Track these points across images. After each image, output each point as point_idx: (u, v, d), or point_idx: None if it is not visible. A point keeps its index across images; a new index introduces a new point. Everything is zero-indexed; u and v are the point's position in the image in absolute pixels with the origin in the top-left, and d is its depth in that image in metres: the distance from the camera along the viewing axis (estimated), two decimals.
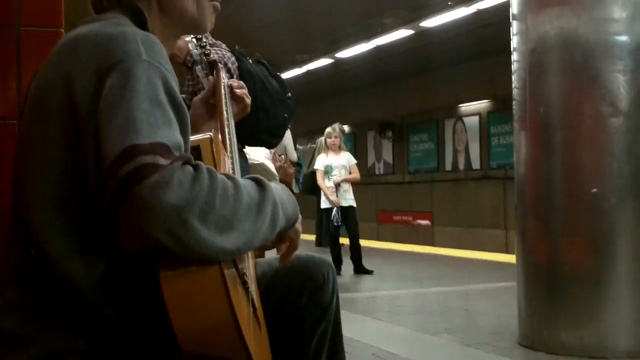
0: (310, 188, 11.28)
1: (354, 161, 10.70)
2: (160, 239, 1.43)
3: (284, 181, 8.86)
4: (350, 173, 10.53)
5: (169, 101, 1.56)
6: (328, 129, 10.71)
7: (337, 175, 10.41)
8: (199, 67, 4.64)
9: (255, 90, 4.74)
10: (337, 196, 10.33)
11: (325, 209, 10.52)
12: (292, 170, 9.40)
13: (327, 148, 10.62)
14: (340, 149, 10.65)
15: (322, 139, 10.87)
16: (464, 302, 7.93)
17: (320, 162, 10.57)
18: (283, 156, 9.05)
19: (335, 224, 10.34)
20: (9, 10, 2.33)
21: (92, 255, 1.58)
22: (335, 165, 10.44)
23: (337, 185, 10.35)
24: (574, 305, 4.47)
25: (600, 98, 4.00)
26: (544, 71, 4.19)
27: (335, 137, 10.59)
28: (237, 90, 2.44)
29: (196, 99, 2.44)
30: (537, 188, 4.40)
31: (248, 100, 2.50)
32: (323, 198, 10.55)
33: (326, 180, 10.43)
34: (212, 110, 2.37)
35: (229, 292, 1.49)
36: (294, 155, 9.58)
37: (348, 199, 10.43)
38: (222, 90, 2.31)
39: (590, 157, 4.16)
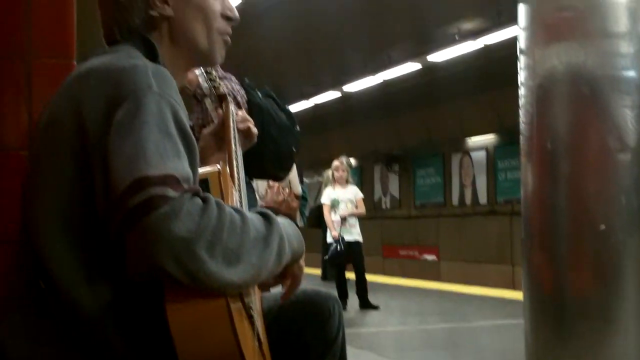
0: (316, 221, 11.26)
1: (360, 195, 10.68)
2: (168, 269, 1.43)
3: (287, 214, 8.80)
4: (356, 207, 10.51)
5: (178, 133, 1.57)
6: (335, 162, 10.71)
7: (344, 208, 10.39)
8: (208, 100, 4.65)
9: (263, 123, 4.76)
10: (341, 230, 10.28)
11: (331, 243, 10.49)
12: (295, 203, 9.36)
13: (334, 181, 10.61)
14: (347, 182, 10.64)
15: (329, 172, 10.87)
16: (471, 339, 7.91)
17: (327, 195, 10.56)
18: (287, 189, 9.04)
19: (332, 253, 10.25)
20: (20, 41, 2.35)
21: (100, 283, 1.59)
22: (341, 199, 10.43)
23: (343, 219, 10.33)
24: (581, 339, 4.44)
25: (608, 133, 3.99)
26: (551, 105, 4.18)
27: (343, 170, 10.59)
28: (240, 125, 2.45)
29: (205, 131, 2.45)
30: (544, 221, 4.38)
31: (254, 130, 2.50)
32: (329, 232, 10.54)
33: (332, 214, 10.41)
34: (220, 142, 2.38)
35: (234, 322, 1.49)
36: (298, 189, 9.56)
37: (354, 233, 10.40)
38: (231, 124, 2.32)
39: (597, 191, 4.15)
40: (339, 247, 10.19)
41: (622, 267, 4.25)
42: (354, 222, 10.44)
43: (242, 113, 2.53)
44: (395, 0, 11.86)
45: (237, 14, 1.98)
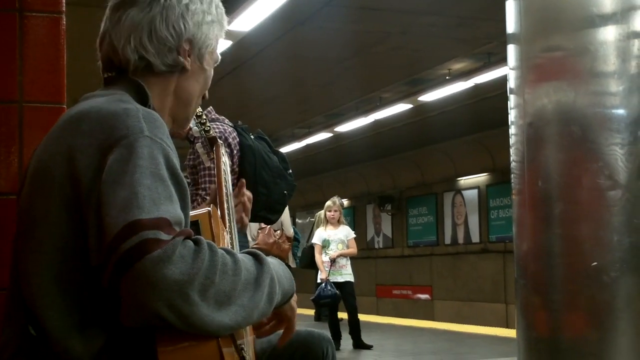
0: (309, 262, 11.24)
1: (352, 235, 10.66)
2: (161, 313, 1.43)
3: (279, 256, 8.78)
4: (348, 247, 10.49)
5: (170, 176, 1.57)
6: (328, 202, 10.72)
7: (335, 249, 10.36)
8: (199, 143, 4.66)
9: (256, 165, 4.76)
10: (331, 271, 10.24)
11: (320, 284, 10.44)
12: (287, 245, 9.35)
13: (327, 221, 10.61)
14: (339, 222, 10.64)
15: (322, 212, 10.87)
16: None
17: (318, 236, 10.55)
18: (278, 232, 9.04)
19: (329, 293, 10.17)
20: (12, 86, 2.36)
21: (91, 331, 1.58)
22: (333, 239, 10.41)
23: (333, 260, 10.30)
24: None
25: (599, 171, 3.99)
26: (542, 144, 4.19)
27: (335, 210, 10.58)
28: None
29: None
30: (537, 261, 4.37)
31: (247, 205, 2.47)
32: (319, 272, 10.50)
33: (323, 255, 10.39)
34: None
35: None
36: (290, 231, 9.56)
37: (345, 274, 10.35)
38: (222, 166, 2.32)
39: (589, 230, 4.14)
40: (329, 288, 10.12)
41: (616, 306, 4.23)
42: (345, 263, 10.40)
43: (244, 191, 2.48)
44: (386, 42, 11.93)
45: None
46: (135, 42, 1.84)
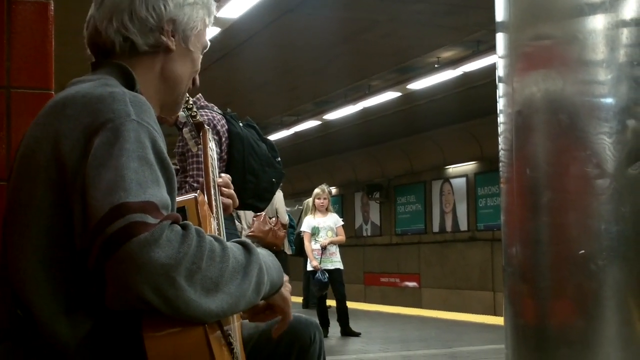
0: (297, 250, 11.23)
1: (340, 222, 10.65)
2: (146, 297, 1.43)
3: (274, 244, 8.81)
4: (336, 234, 10.48)
5: (156, 161, 1.57)
6: (317, 190, 10.69)
7: (324, 236, 10.36)
8: (186, 129, 4.64)
9: (244, 153, 4.74)
10: (322, 259, 10.25)
11: (312, 271, 10.44)
12: (282, 233, 9.36)
13: (315, 209, 10.59)
14: (327, 210, 10.63)
15: (309, 200, 10.86)
16: None
17: (308, 223, 10.53)
18: (273, 219, 9.04)
19: (324, 280, 10.20)
20: None
21: (78, 315, 1.58)
22: (322, 227, 10.40)
23: (324, 248, 10.30)
24: None
25: (587, 159, 4.00)
26: (530, 133, 4.19)
27: (324, 198, 10.57)
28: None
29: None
30: (524, 249, 4.38)
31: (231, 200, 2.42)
32: (309, 260, 10.50)
33: (313, 242, 10.38)
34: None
35: (212, 351, 1.49)
36: (285, 218, 9.55)
37: (335, 261, 10.36)
38: (209, 152, 2.31)
39: (577, 218, 4.15)
40: (322, 277, 10.15)
41: (603, 294, 4.25)
42: (334, 250, 10.41)
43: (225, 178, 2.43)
44: (375, 30, 11.92)
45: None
46: (118, 23, 1.84)
